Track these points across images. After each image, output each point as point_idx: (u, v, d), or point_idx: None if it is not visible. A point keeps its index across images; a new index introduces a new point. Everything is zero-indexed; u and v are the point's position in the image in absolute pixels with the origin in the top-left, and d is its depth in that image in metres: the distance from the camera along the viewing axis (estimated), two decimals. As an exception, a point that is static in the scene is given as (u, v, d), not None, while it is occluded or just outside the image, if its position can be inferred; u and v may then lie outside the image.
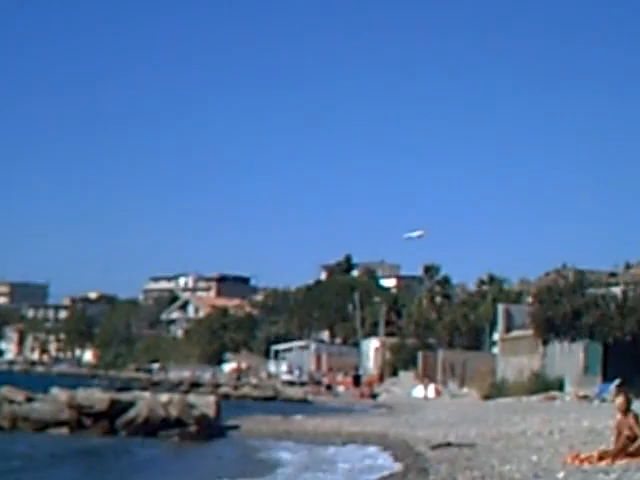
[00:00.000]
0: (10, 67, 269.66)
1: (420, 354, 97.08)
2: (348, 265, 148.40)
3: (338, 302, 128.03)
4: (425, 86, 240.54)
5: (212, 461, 32.75)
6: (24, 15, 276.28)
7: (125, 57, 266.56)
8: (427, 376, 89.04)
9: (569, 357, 67.30)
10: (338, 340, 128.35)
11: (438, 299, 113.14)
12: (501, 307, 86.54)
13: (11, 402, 42.63)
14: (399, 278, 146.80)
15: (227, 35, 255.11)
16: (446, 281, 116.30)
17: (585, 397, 57.08)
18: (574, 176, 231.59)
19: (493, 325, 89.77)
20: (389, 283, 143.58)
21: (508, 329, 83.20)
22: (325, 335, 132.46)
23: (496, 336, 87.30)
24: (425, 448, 32.79)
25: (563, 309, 68.01)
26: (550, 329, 69.11)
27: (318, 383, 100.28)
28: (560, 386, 64.13)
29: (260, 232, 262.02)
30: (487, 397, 66.64)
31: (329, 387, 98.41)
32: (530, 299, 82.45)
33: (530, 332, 73.78)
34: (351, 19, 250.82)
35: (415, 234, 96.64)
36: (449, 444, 32.82)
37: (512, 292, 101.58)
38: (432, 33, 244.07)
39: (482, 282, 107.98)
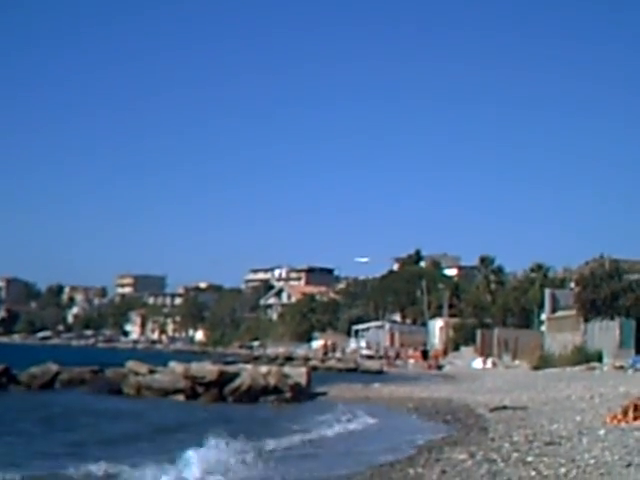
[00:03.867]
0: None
1: (478, 332, 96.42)
2: (417, 257, 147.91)
3: (408, 289, 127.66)
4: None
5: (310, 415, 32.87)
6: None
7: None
8: (485, 350, 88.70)
9: (607, 333, 66.57)
10: (408, 321, 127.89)
11: (493, 285, 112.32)
12: (547, 291, 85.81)
13: (136, 374, 43.14)
14: (460, 268, 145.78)
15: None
16: (500, 270, 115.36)
17: (621, 367, 56.25)
18: (605, 175, 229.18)
19: (540, 307, 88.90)
20: (451, 272, 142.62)
21: (554, 310, 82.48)
22: (397, 317, 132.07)
23: (543, 316, 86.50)
24: (484, 410, 32.57)
25: (603, 292, 67.66)
26: (591, 309, 68.67)
27: (389, 357, 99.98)
28: (599, 358, 63.30)
29: (343, 229, 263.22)
30: (536, 368, 65.92)
31: (397, 357, 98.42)
32: (573, 284, 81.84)
33: (573, 312, 73.20)
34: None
35: (363, 260, 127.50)
36: (505, 407, 32.57)
37: (557, 278, 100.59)
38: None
39: (531, 270, 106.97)
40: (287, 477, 18.35)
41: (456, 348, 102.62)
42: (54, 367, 44.72)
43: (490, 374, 66.47)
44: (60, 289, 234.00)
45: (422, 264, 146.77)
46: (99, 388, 42.04)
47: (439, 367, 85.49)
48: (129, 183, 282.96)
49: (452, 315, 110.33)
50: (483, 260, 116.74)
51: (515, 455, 18.63)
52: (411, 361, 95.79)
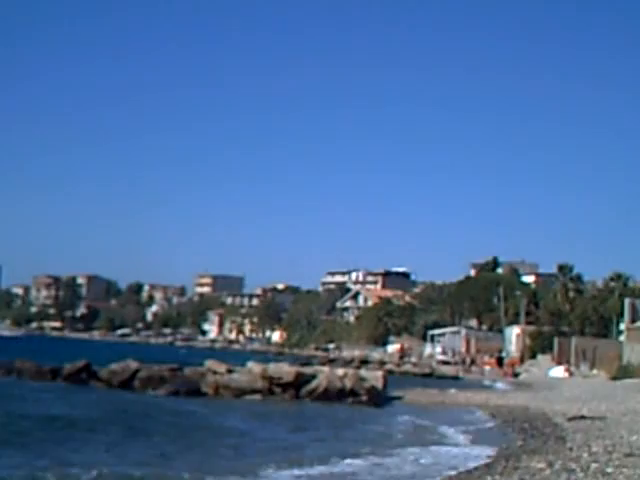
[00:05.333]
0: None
1: (555, 340, 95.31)
2: (494, 264, 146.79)
3: (485, 295, 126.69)
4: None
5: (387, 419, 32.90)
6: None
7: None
8: (562, 359, 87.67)
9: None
10: (484, 327, 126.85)
11: (571, 293, 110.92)
12: (627, 301, 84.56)
13: (215, 373, 43.45)
14: (537, 275, 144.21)
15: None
16: (578, 278, 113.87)
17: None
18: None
19: (620, 316, 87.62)
20: (529, 279, 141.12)
21: (633, 320, 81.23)
22: (473, 322, 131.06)
23: (622, 326, 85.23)
24: (562, 419, 32.21)
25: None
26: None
27: (465, 362, 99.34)
28: (679, 369, 62.29)
29: (419, 234, 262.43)
30: (614, 378, 65.02)
31: (472, 362, 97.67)
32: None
33: (653, 323, 72.07)
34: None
35: None
36: (583, 417, 32.18)
37: (637, 288, 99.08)
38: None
39: (610, 279, 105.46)
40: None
41: (533, 356, 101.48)
42: (134, 364, 45.15)
43: (567, 383, 65.73)
44: (140, 287, 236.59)
45: (499, 270, 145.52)
46: (178, 387, 42.37)
47: (515, 374, 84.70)
48: (209, 187, 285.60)
49: (529, 322, 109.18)
50: (561, 268, 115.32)
51: (594, 466, 18.39)
52: (487, 368, 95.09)
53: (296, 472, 19.37)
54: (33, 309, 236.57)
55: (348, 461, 21.29)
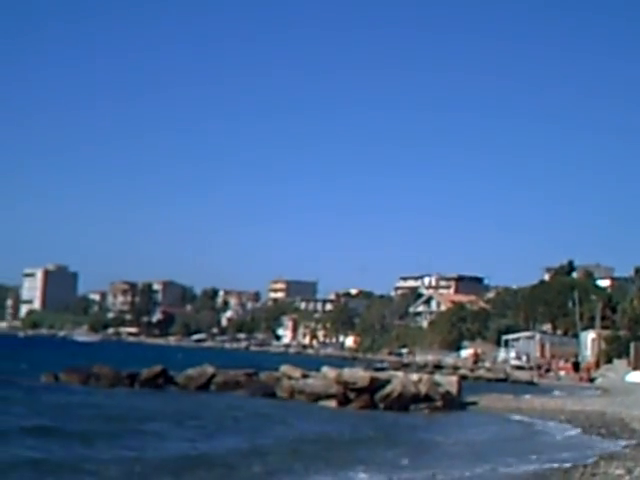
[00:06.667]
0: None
1: (632, 345, 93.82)
2: (569, 267, 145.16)
3: (559, 299, 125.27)
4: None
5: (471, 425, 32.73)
6: None
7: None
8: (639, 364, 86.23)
9: None
10: (559, 332, 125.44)
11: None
12: None
13: (290, 378, 43.56)
14: (613, 279, 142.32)
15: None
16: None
17: None
18: None
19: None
20: (604, 283, 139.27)
21: None
22: (548, 327, 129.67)
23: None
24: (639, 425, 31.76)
25: None
26: None
27: (540, 368, 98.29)
28: None
29: (491, 239, 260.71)
30: (694, 383, 63.93)
31: (547, 370, 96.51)
32: None
33: None
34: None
35: None
36: (661, 422, 31.67)
37: None
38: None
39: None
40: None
41: (609, 361, 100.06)
42: (210, 369, 45.47)
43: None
44: (215, 293, 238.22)
45: (574, 274, 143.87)
46: (253, 391, 42.60)
47: (591, 380, 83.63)
48: (285, 193, 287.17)
49: (605, 327, 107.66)
50: (638, 271, 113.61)
51: (674, 472, 18.10)
52: (562, 373, 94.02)
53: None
54: (110, 315, 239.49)
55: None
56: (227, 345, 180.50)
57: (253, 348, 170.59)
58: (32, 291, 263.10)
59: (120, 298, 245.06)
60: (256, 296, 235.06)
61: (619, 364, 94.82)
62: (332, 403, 40.47)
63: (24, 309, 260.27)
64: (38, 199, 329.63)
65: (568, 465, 21.03)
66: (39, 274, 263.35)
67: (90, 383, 44.71)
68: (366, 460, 21.31)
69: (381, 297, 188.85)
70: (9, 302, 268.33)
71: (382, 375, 44.79)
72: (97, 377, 45.98)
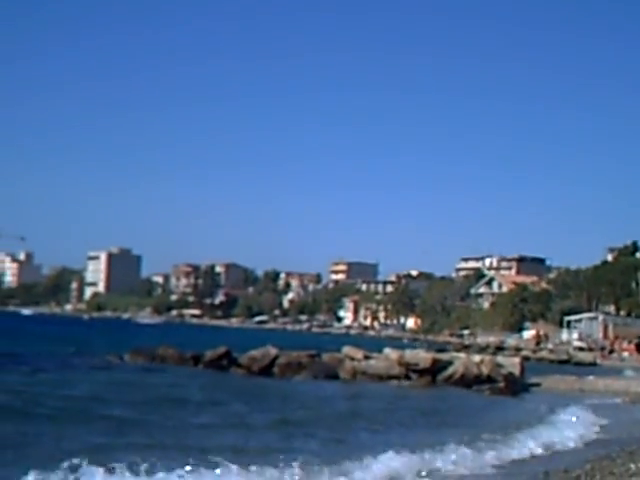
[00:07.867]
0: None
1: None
2: (634, 248, 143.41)
3: (623, 280, 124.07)
4: None
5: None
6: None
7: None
8: None
9: None
10: (622, 313, 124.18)
11: None
12: None
13: (352, 359, 43.66)
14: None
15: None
16: None
17: None
18: None
19: None
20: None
21: None
22: (611, 308, 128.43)
23: None
24: None
25: None
26: None
27: (604, 349, 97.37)
28: None
29: (553, 219, 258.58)
30: None
31: (611, 351, 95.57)
32: None
33: None
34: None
35: None
36: None
37: None
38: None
39: None
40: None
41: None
42: (273, 350, 45.58)
43: None
44: (277, 275, 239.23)
45: (638, 255, 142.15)
46: (316, 373, 42.74)
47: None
48: (350, 173, 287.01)
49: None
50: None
51: None
52: (625, 354, 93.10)
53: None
54: (173, 297, 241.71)
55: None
56: (289, 327, 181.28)
57: (315, 330, 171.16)
58: (96, 274, 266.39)
59: (183, 280, 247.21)
60: (317, 278, 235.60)
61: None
62: (393, 383, 40.55)
63: (88, 292, 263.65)
64: (102, 183, 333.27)
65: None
66: (103, 257, 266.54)
67: (155, 364, 45.16)
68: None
69: (442, 278, 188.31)
70: (74, 285, 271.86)
71: (444, 356, 44.76)
72: (162, 358, 46.42)
